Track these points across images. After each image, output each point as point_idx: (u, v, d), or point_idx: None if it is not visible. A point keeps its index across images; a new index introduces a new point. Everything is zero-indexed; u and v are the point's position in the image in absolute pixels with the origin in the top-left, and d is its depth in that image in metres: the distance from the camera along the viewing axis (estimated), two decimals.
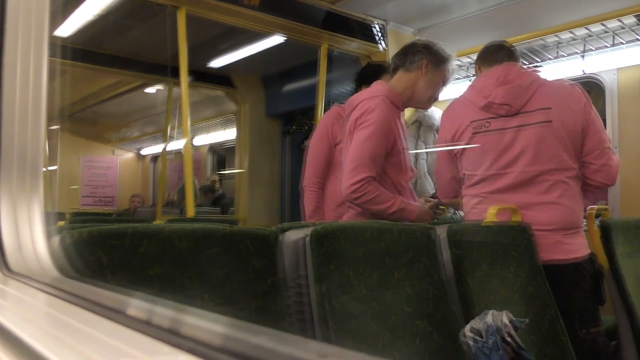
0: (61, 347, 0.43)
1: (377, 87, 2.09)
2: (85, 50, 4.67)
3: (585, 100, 1.93)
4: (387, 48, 3.86)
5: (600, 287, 1.92)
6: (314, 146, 2.49)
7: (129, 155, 8.63)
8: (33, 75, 1.06)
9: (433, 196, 2.35)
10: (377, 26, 3.84)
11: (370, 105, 1.99)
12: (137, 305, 0.49)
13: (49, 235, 0.98)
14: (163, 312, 0.44)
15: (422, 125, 3.75)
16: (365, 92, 2.11)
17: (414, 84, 2.11)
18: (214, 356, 0.32)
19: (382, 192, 1.92)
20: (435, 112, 3.65)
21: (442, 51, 2.13)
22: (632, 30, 2.90)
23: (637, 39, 2.92)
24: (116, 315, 0.47)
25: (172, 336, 0.37)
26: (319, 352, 0.30)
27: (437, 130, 3.37)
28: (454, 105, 2.12)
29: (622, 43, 2.99)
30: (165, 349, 0.36)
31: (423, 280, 1.52)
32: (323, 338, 1.25)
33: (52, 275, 0.86)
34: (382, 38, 3.87)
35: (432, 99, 2.19)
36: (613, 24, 2.88)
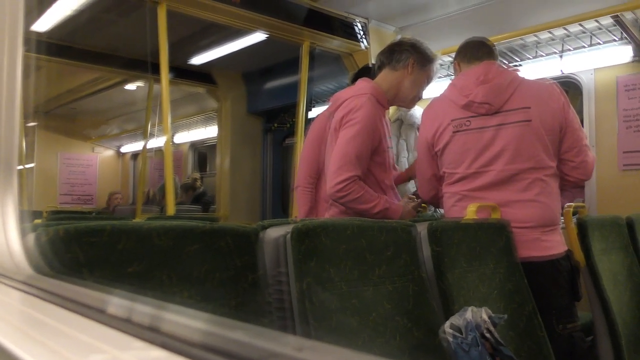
0: (35, 345, 0.42)
1: (363, 85, 2.09)
2: (63, 46, 4.60)
3: (563, 100, 1.96)
4: (369, 46, 3.87)
5: (576, 284, 1.95)
6: (308, 145, 2.48)
7: (109, 152, 8.53)
8: (7, 71, 1.04)
9: (414, 194, 2.36)
10: (359, 24, 3.84)
11: (356, 103, 1.99)
12: (112, 302, 0.49)
13: (23, 233, 0.96)
14: (138, 308, 0.44)
15: (403, 124, 3.76)
16: (350, 90, 2.11)
17: (400, 82, 2.12)
18: (190, 351, 0.32)
19: (367, 192, 1.93)
20: (417, 111, 3.66)
21: (428, 51, 2.15)
22: (609, 31, 2.94)
23: (614, 40, 2.97)
24: (91, 312, 0.46)
25: (146, 332, 0.37)
26: (295, 346, 0.30)
27: (418, 129, 3.39)
28: (435, 104, 2.13)
29: (599, 43, 3.04)
30: (138, 344, 0.35)
31: (403, 277, 1.53)
32: (303, 335, 1.24)
33: (26, 273, 0.85)
34: (364, 36, 3.87)
35: (417, 98, 2.21)
36: (590, 24, 2.92)
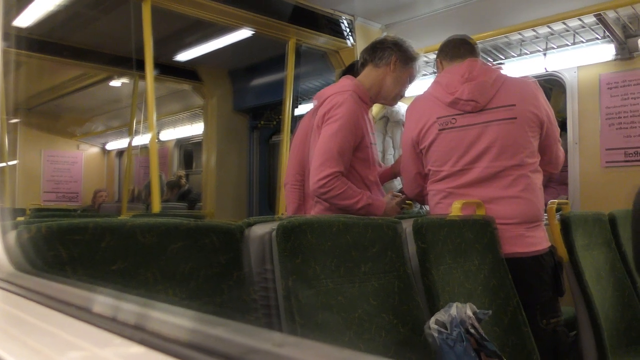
0: (14, 342, 0.42)
1: (346, 82, 2.10)
2: (46, 42, 4.55)
3: (543, 96, 1.99)
4: (355, 44, 3.87)
5: (560, 279, 1.98)
6: (297, 143, 2.48)
7: (94, 150, 8.46)
8: None
9: (400, 191, 2.37)
10: (345, 21, 3.84)
11: (338, 100, 1.99)
12: (94, 299, 0.48)
13: (5, 231, 0.95)
14: (119, 305, 0.44)
15: (389, 121, 3.78)
16: (333, 87, 2.12)
17: (382, 80, 2.13)
18: (169, 347, 0.32)
19: (350, 188, 1.93)
20: (403, 108, 3.68)
21: (411, 49, 2.16)
22: (592, 29, 2.97)
23: (597, 38, 3.00)
24: (72, 309, 0.46)
25: (127, 329, 0.36)
26: (276, 342, 0.30)
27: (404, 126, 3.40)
28: (419, 102, 2.13)
29: (582, 42, 3.07)
30: (119, 341, 0.35)
31: (389, 273, 1.53)
32: (289, 332, 1.24)
33: (7, 271, 0.84)
34: (350, 33, 3.87)
35: (399, 96, 2.22)
36: (574, 22, 2.94)
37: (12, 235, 0.92)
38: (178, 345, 0.31)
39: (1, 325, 0.46)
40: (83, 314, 0.43)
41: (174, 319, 0.38)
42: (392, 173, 2.48)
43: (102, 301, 0.46)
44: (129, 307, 0.42)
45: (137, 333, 0.34)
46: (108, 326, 0.38)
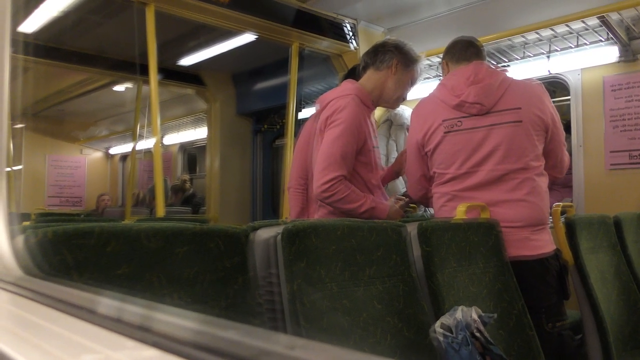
0: (27, 345, 0.42)
1: (347, 86, 2.11)
2: (51, 47, 4.56)
3: (548, 99, 1.99)
4: (358, 47, 3.88)
5: (565, 282, 1.97)
6: (300, 147, 2.48)
7: (98, 154, 8.47)
8: None
9: (404, 194, 2.37)
10: (348, 25, 3.85)
11: (341, 104, 2.00)
12: (103, 302, 0.48)
13: (12, 235, 0.95)
14: (129, 308, 0.44)
15: (393, 124, 3.78)
16: (335, 91, 2.12)
17: (384, 83, 2.13)
18: (182, 350, 0.32)
19: (353, 191, 1.93)
20: (406, 111, 3.68)
21: (412, 52, 2.16)
22: (595, 32, 2.98)
23: (600, 40, 3.00)
24: (82, 312, 0.46)
25: (138, 331, 0.37)
26: (287, 344, 0.30)
27: (408, 129, 3.40)
28: (424, 104, 2.14)
29: (585, 44, 3.07)
30: (131, 343, 0.35)
31: (394, 277, 1.53)
32: (295, 335, 1.24)
33: (15, 275, 0.84)
34: (353, 37, 3.88)
35: (401, 99, 2.22)
36: (577, 25, 2.95)
37: (19, 240, 0.93)
38: (190, 347, 0.31)
39: (14, 328, 0.47)
40: (94, 317, 0.44)
41: (186, 322, 0.38)
42: (393, 173, 2.48)
43: (112, 304, 0.47)
44: (140, 311, 0.42)
45: (150, 336, 0.35)
46: (120, 329, 0.38)
